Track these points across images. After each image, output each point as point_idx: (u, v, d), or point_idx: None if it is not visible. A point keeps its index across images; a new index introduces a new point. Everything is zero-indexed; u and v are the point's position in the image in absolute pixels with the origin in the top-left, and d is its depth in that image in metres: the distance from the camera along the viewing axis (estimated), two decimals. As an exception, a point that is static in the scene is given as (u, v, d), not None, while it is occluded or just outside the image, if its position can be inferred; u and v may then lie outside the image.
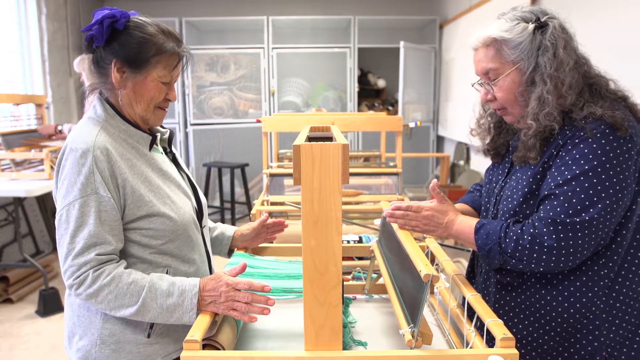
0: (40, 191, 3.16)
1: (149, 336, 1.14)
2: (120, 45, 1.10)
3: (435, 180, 1.22)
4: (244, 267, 1.11)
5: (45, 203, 4.37)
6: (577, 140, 1.03)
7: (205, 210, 1.33)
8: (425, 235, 1.30)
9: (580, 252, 1.00)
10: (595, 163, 0.99)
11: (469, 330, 0.99)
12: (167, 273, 1.16)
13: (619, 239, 1.04)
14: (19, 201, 3.42)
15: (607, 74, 1.13)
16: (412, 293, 0.99)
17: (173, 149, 1.31)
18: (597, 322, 1.05)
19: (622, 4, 2.47)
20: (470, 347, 0.96)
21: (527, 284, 1.12)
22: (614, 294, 1.05)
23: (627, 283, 1.05)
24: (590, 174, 0.99)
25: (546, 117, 1.05)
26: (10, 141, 3.40)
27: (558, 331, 1.08)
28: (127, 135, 1.15)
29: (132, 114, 1.16)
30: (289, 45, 5.51)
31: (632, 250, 1.06)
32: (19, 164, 3.44)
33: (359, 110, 5.77)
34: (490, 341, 0.93)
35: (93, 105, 1.16)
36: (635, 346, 1.05)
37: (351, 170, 2.15)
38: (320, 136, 1.22)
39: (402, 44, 4.90)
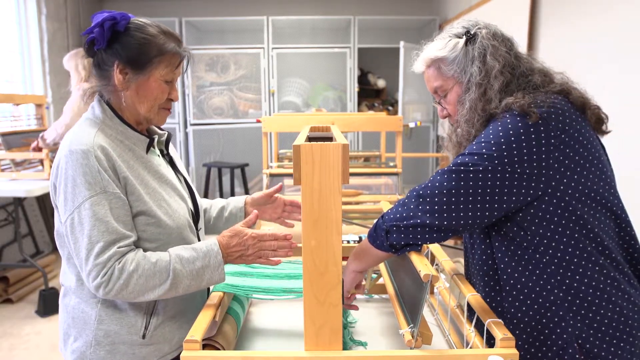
0: (40, 191, 3.16)
1: (144, 337, 1.13)
2: (122, 47, 1.10)
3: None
4: (256, 216, 1.17)
5: (45, 203, 4.37)
6: (489, 125, 1.06)
7: (202, 213, 1.33)
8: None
9: (455, 204, 0.99)
10: (493, 137, 1.01)
11: (469, 330, 0.99)
12: None
13: (558, 228, 1.03)
14: (18, 201, 3.42)
15: (552, 68, 1.14)
16: (412, 293, 0.99)
17: (171, 151, 1.31)
18: (561, 313, 1.03)
19: (620, 3, 2.47)
20: (470, 347, 0.96)
21: (492, 282, 1.11)
22: (575, 284, 1.03)
23: (581, 271, 1.03)
24: (492, 142, 1.00)
25: (468, 123, 1.10)
26: (10, 141, 3.40)
27: (525, 326, 1.06)
28: (124, 137, 1.15)
29: (135, 114, 1.16)
30: (289, 45, 5.51)
31: (573, 242, 1.03)
32: (19, 164, 3.44)
33: (359, 110, 5.78)
34: (490, 341, 0.93)
35: (92, 106, 1.17)
36: (607, 338, 1.02)
37: (351, 170, 2.15)
38: (320, 136, 1.22)
39: (402, 44, 4.90)
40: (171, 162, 1.29)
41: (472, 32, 1.12)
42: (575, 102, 1.08)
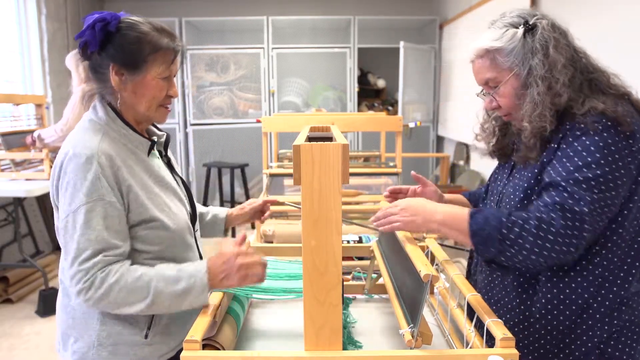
0: (40, 191, 3.16)
1: (146, 337, 1.14)
2: (116, 48, 1.09)
3: (413, 172, 1.27)
4: (244, 238, 1.12)
5: (45, 203, 4.37)
6: (578, 133, 1.03)
7: (198, 215, 1.33)
8: (421, 234, 1.28)
9: (579, 242, 0.99)
10: (597, 156, 0.99)
11: (469, 330, 0.99)
12: None
13: (614, 237, 1.04)
14: (18, 201, 3.42)
15: (608, 68, 1.12)
16: (412, 293, 0.99)
17: (169, 153, 1.31)
18: (590, 322, 1.05)
19: (621, 2, 2.47)
20: (470, 347, 0.96)
21: (526, 285, 1.12)
22: (610, 295, 1.05)
23: (619, 282, 1.05)
24: (593, 166, 0.99)
25: (539, 117, 1.06)
26: (10, 141, 3.40)
27: (551, 330, 1.08)
28: (126, 140, 1.14)
29: (135, 114, 1.16)
30: (289, 46, 5.51)
31: (627, 250, 1.06)
32: (18, 164, 3.44)
33: (359, 110, 5.77)
34: (490, 341, 0.93)
35: (93, 106, 1.16)
36: (622, 339, 1.05)
37: (351, 170, 2.15)
38: (320, 136, 1.22)
39: (402, 44, 4.90)
40: (169, 164, 1.29)
41: (530, 23, 1.08)
42: (635, 105, 1.08)
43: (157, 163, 1.21)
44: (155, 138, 1.23)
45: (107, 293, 1.02)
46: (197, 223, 1.31)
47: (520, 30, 1.08)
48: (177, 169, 1.32)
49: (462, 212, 1.07)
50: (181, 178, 1.30)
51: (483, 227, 1.03)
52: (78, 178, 1.04)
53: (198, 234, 1.31)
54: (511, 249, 1.01)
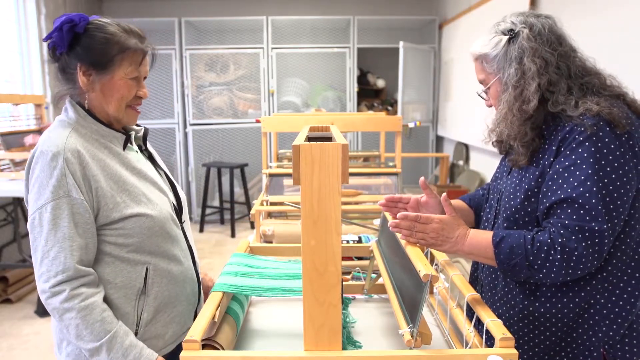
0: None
1: (136, 334, 1.15)
2: (83, 49, 1.10)
3: (422, 178, 1.25)
4: None
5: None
6: (580, 138, 1.03)
7: (185, 206, 1.33)
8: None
9: (601, 256, 1.00)
10: (603, 163, 1.00)
11: (468, 330, 0.99)
12: (147, 271, 1.16)
13: (622, 235, 1.05)
14: (18, 201, 3.41)
15: (604, 70, 1.13)
16: (412, 293, 0.99)
17: (149, 146, 1.31)
18: (596, 317, 1.06)
19: (620, 3, 2.47)
20: (470, 347, 0.96)
21: (529, 282, 1.12)
22: (617, 291, 1.06)
23: (626, 278, 1.06)
24: (601, 174, 1.00)
25: (503, 121, 1.11)
26: (9, 141, 3.40)
27: (559, 327, 1.09)
28: (99, 135, 1.15)
29: (105, 115, 1.17)
30: (289, 46, 5.51)
31: (635, 247, 1.06)
32: (18, 164, 3.44)
33: (359, 110, 5.78)
34: (490, 341, 0.93)
35: (64, 108, 1.16)
36: (635, 341, 1.06)
37: (351, 170, 2.15)
38: (319, 136, 1.22)
39: (401, 44, 4.90)
40: (150, 158, 1.29)
41: (515, 31, 1.11)
42: (630, 106, 1.09)
43: (136, 156, 1.22)
44: (132, 132, 1.23)
45: (66, 311, 1.05)
46: (185, 215, 1.31)
47: (505, 38, 1.12)
48: (160, 162, 1.32)
49: (486, 242, 1.08)
50: (165, 172, 1.31)
51: (510, 256, 1.05)
52: (45, 175, 1.05)
53: (187, 225, 1.31)
54: (539, 274, 1.03)
